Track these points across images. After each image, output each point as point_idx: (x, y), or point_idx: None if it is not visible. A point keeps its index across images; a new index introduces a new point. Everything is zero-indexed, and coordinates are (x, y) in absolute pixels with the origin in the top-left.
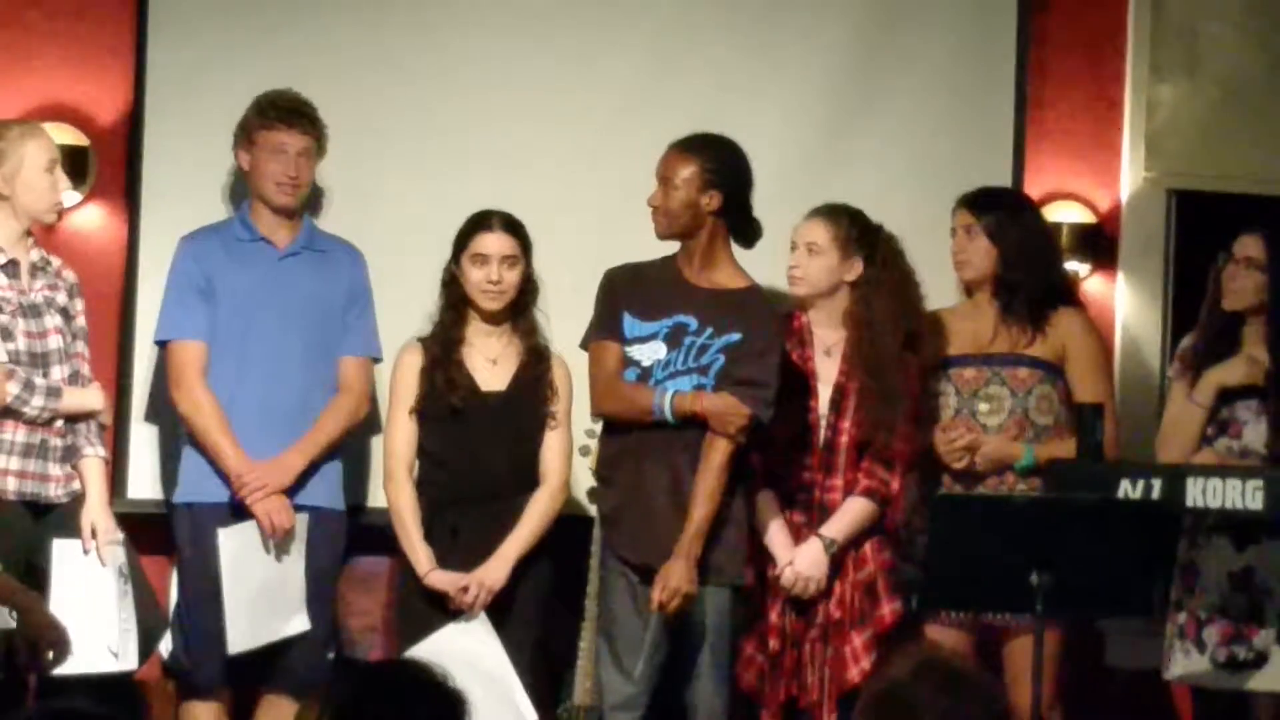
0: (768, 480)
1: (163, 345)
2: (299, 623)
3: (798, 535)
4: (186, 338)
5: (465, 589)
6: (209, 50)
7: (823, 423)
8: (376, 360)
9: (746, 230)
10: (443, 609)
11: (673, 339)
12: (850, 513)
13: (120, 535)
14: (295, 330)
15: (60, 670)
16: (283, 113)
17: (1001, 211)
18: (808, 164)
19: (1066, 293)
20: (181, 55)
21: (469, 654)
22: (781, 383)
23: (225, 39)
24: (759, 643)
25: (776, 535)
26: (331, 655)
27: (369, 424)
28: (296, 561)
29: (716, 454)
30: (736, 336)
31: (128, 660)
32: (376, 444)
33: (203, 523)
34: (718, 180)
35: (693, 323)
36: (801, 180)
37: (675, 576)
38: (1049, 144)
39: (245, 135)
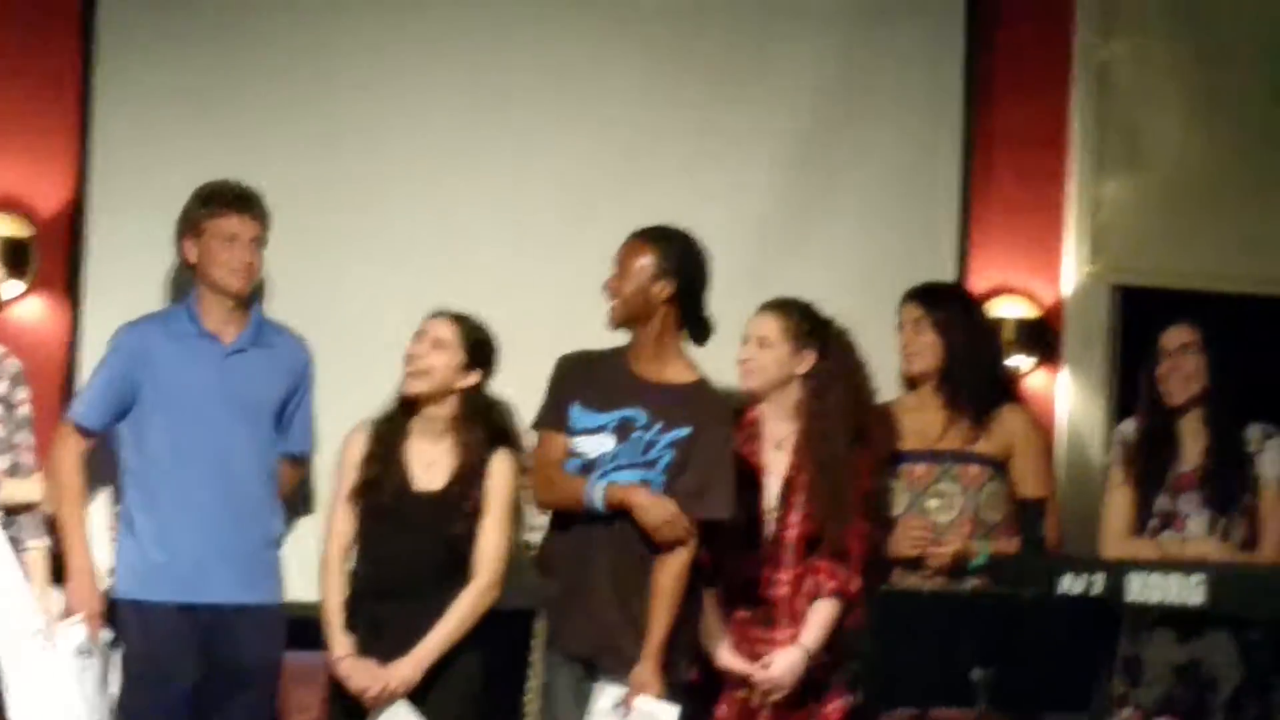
0: (713, 575)
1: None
2: None
3: (742, 631)
4: (86, 425)
5: (375, 690)
6: (153, 141)
7: (771, 516)
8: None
9: (698, 326)
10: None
11: (621, 432)
12: (821, 618)
13: (76, 616)
14: (240, 428)
15: None
16: (231, 200)
17: (950, 307)
18: (756, 257)
19: (1009, 389)
20: (125, 146)
21: None
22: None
23: (169, 130)
24: None
25: (714, 632)
26: None
27: (295, 515)
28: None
29: (670, 568)
30: (685, 431)
31: None
32: (306, 534)
33: (151, 617)
34: (671, 270)
35: (641, 417)
36: (749, 273)
37: (648, 685)
38: (993, 238)
39: (191, 226)
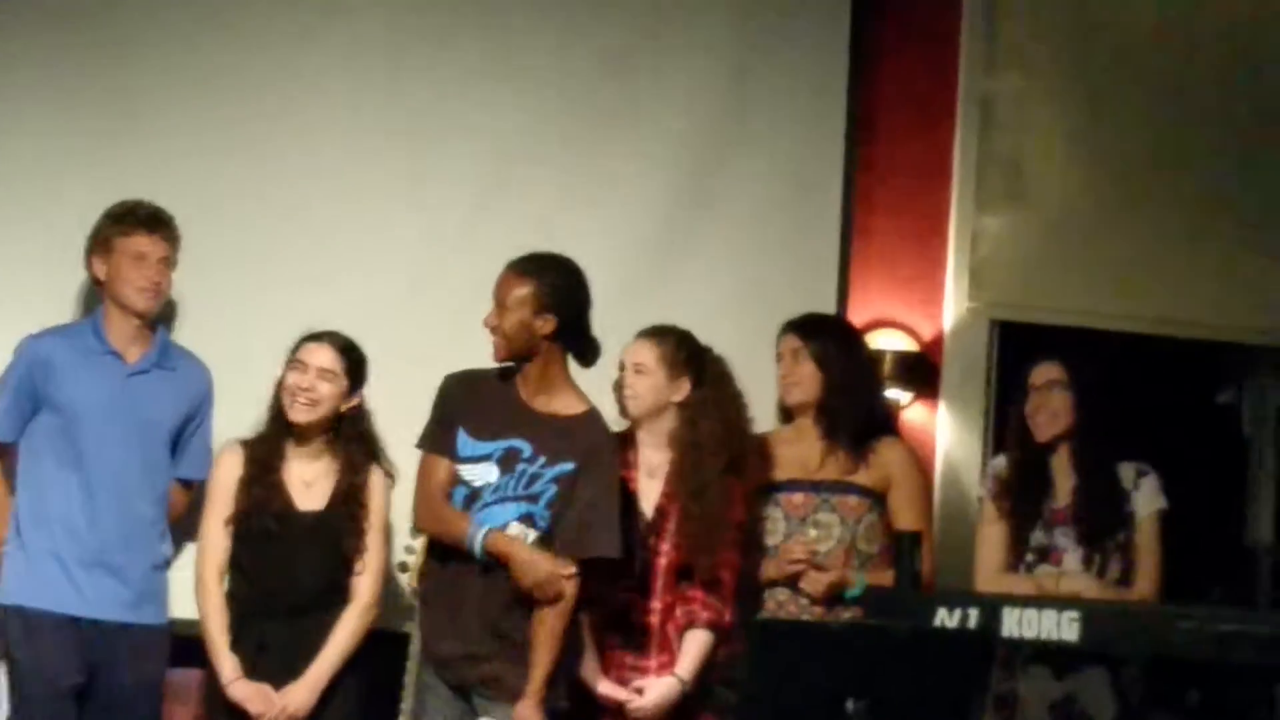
0: (586, 602)
1: None
2: None
3: (613, 659)
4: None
5: (272, 714)
6: (51, 157)
7: (642, 544)
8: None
9: (585, 350)
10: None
11: (505, 463)
12: (696, 647)
13: None
14: (135, 449)
15: None
16: (142, 220)
17: (829, 338)
18: (635, 285)
19: (887, 422)
20: (22, 161)
21: None
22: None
23: (67, 144)
24: None
25: (590, 664)
26: None
27: (185, 536)
28: None
29: (550, 615)
30: (570, 466)
31: None
32: (189, 555)
33: (36, 625)
34: (552, 304)
35: (527, 449)
36: (628, 301)
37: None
38: (874, 271)
39: (101, 243)
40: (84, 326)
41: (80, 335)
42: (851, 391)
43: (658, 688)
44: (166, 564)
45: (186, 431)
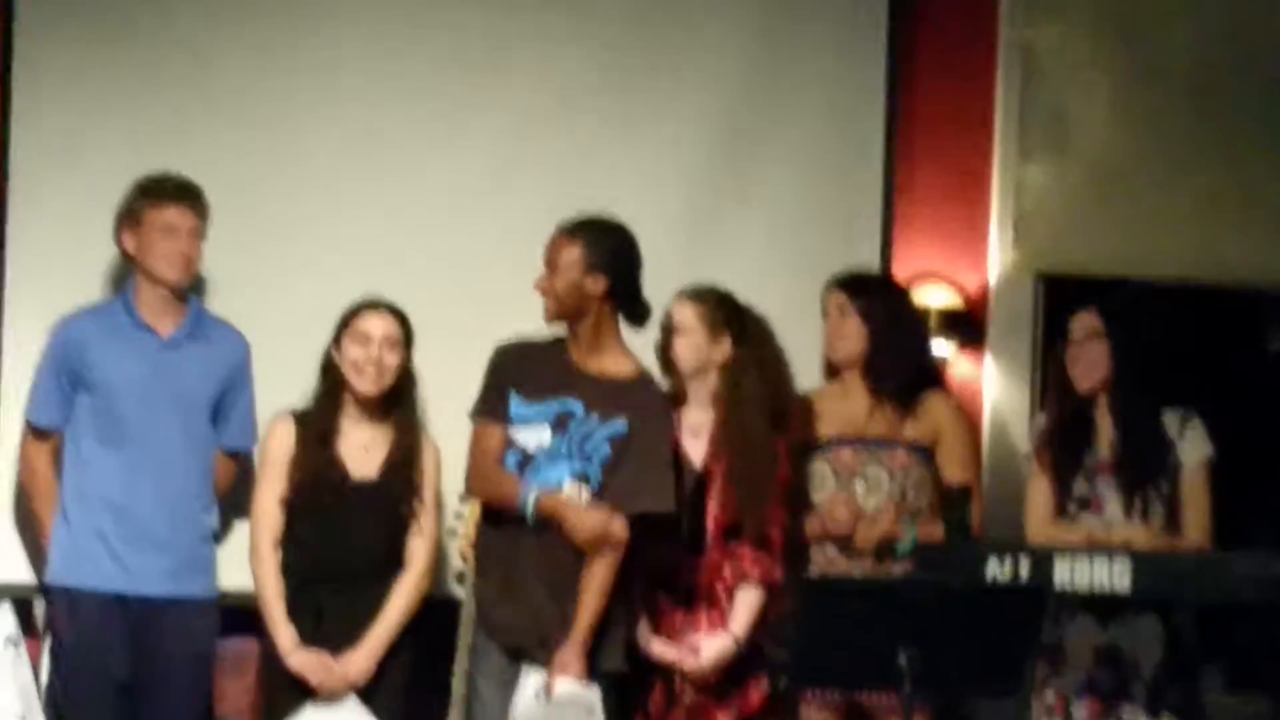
0: (636, 563)
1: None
2: None
3: (664, 618)
4: (40, 424)
5: (331, 682)
6: (77, 132)
7: (689, 504)
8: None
9: (636, 310)
10: (306, 689)
11: (558, 424)
12: (748, 605)
13: (3, 604)
14: (175, 422)
15: None
16: (172, 192)
17: (874, 294)
18: (676, 245)
19: (934, 376)
20: (49, 136)
21: None
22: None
23: (93, 120)
24: None
25: (662, 647)
26: None
27: (235, 506)
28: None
29: (599, 568)
30: (622, 426)
31: (34, 717)
32: (235, 523)
33: (82, 605)
34: (602, 264)
35: (579, 409)
36: (669, 262)
37: (569, 666)
38: (917, 226)
39: (131, 217)
40: (115, 304)
41: (112, 313)
42: (897, 346)
43: (712, 646)
44: (213, 536)
45: (226, 401)
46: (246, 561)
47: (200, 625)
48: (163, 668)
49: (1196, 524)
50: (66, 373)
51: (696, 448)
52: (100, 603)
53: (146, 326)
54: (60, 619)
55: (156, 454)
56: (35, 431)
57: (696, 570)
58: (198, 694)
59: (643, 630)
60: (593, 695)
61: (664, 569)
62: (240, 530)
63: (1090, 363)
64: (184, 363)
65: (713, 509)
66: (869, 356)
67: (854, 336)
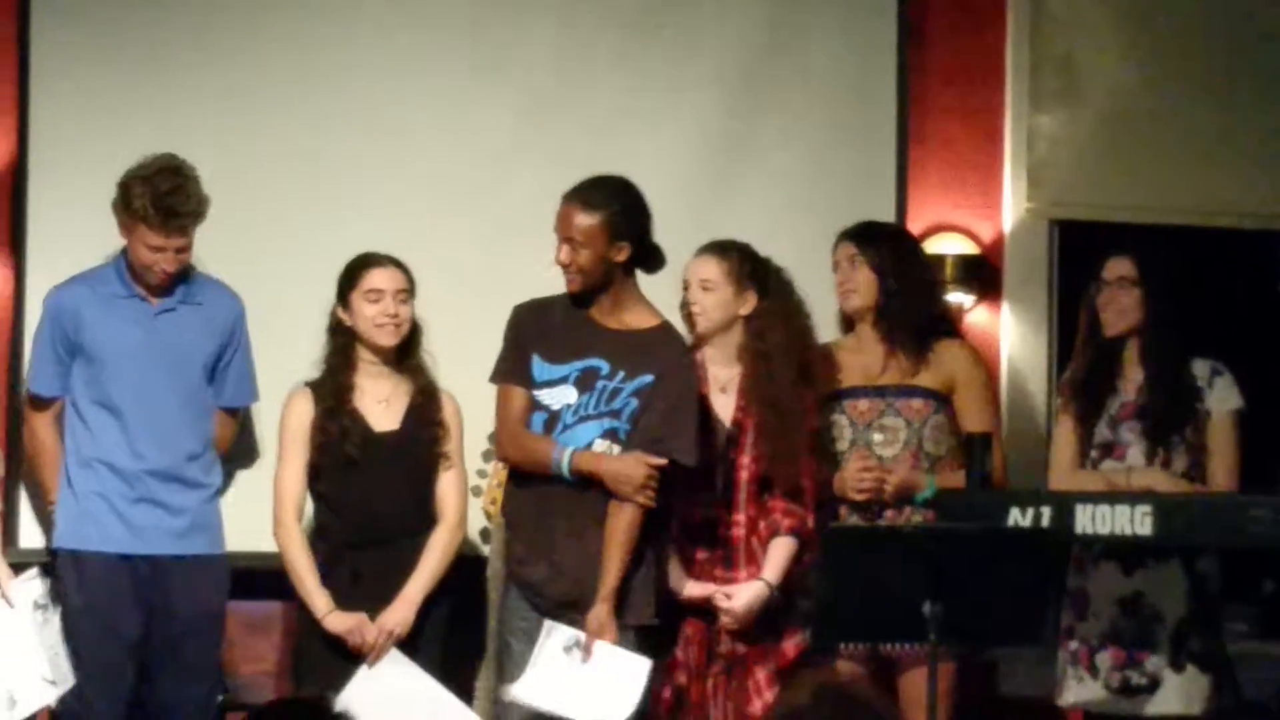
0: (670, 518)
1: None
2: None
3: (703, 571)
4: (40, 393)
5: (372, 637)
6: (93, 98)
7: (723, 459)
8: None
9: (651, 259)
10: (343, 651)
11: (583, 383)
12: (781, 554)
13: (32, 570)
14: (172, 385)
15: (10, 718)
16: (160, 216)
17: (884, 243)
18: (690, 200)
19: (948, 324)
20: (65, 104)
21: (394, 689)
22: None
23: (109, 85)
24: (666, 678)
25: (675, 573)
26: (220, 698)
27: (251, 465)
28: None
29: (624, 515)
30: (649, 378)
31: (64, 680)
32: (261, 487)
33: (90, 567)
34: (624, 230)
35: (604, 366)
36: (684, 217)
37: (605, 628)
38: (931, 176)
39: (120, 212)
40: (107, 271)
41: (104, 281)
42: (908, 295)
43: (746, 592)
44: (217, 494)
45: (222, 360)
46: (269, 528)
47: (209, 583)
48: (173, 626)
49: (1224, 474)
50: (62, 341)
51: (724, 403)
52: (108, 564)
53: (138, 294)
54: (68, 582)
55: (156, 417)
56: (35, 400)
57: (732, 525)
58: (209, 651)
59: (677, 577)
60: (637, 664)
61: (700, 524)
62: (256, 492)
63: (1122, 308)
64: (179, 326)
65: (745, 463)
66: (880, 306)
67: (865, 287)
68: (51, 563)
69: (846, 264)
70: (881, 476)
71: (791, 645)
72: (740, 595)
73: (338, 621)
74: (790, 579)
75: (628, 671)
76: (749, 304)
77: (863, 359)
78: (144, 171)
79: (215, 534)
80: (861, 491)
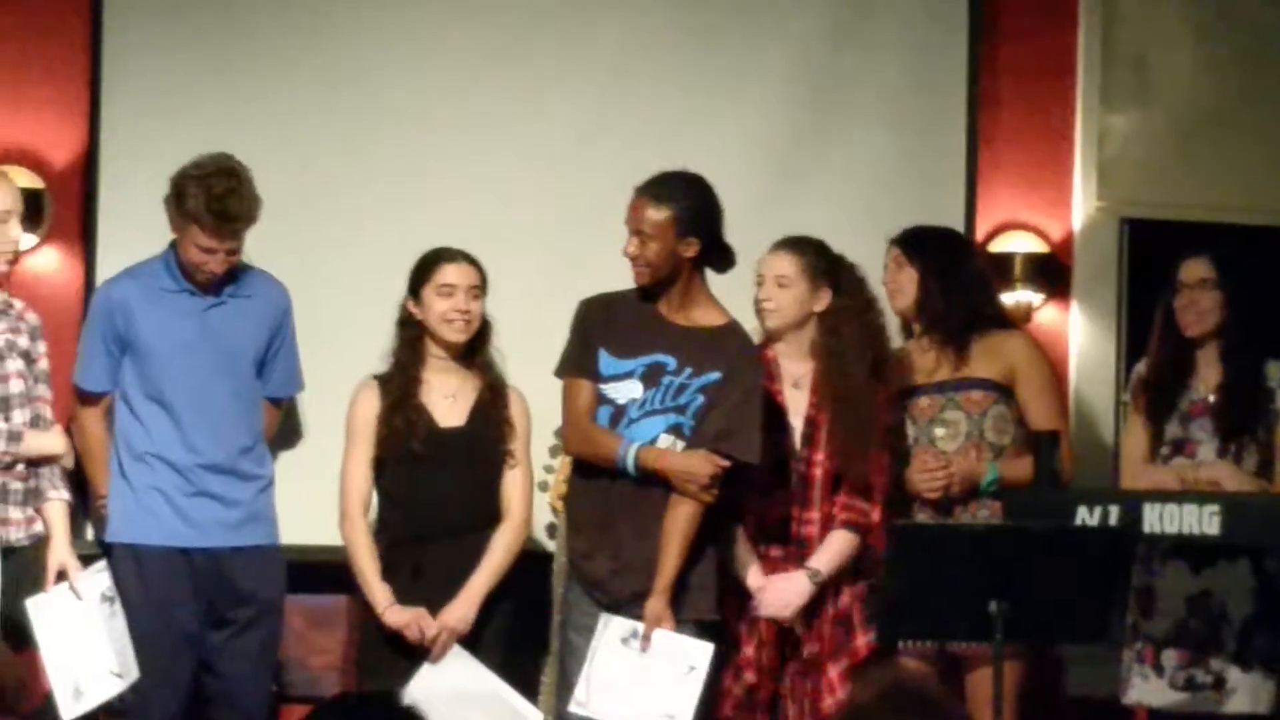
0: (743, 516)
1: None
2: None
3: (775, 569)
4: (89, 389)
5: (432, 632)
6: (162, 91)
7: (797, 456)
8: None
9: (721, 258)
10: (406, 647)
11: (650, 378)
12: (834, 545)
13: (100, 562)
14: (223, 378)
15: (76, 710)
16: (213, 220)
17: (927, 244)
18: (760, 199)
19: (999, 321)
20: (135, 97)
21: (456, 686)
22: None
23: (177, 81)
24: (736, 676)
25: (755, 575)
26: (274, 689)
27: (317, 460)
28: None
29: (682, 513)
30: (716, 376)
31: (130, 673)
32: (325, 480)
33: (147, 561)
34: (694, 226)
35: (671, 362)
36: (750, 215)
37: (663, 618)
38: (1001, 174)
39: (171, 209)
40: (157, 266)
41: (154, 275)
42: (948, 291)
43: (788, 580)
44: (270, 485)
45: (270, 352)
46: (334, 521)
47: (266, 574)
48: (231, 618)
49: None
50: (113, 336)
51: (798, 399)
52: (166, 558)
53: (188, 288)
54: (126, 576)
55: (209, 411)
56: (84, 396)
57: (807, 523)
58: (268, 643)
59: (747, 566)
60: (698, 649)
61: (774, 521)
62: (322, 484)
63: (1202, 310)
64: (229, 319)
65: (820, 460)
66: (920, 304)
67: (908, 285)
68: (107, 555)
69: (894, 266)
70: (950, 473)
71: (865, 643)
72: (781, 583)
73: (396, 615)
74: (865, 577)
75: (690, 658)
76: (823, 301)
77: (921, 360)
78: (199, 172)
79: (270, 525)
80: (933, 492)
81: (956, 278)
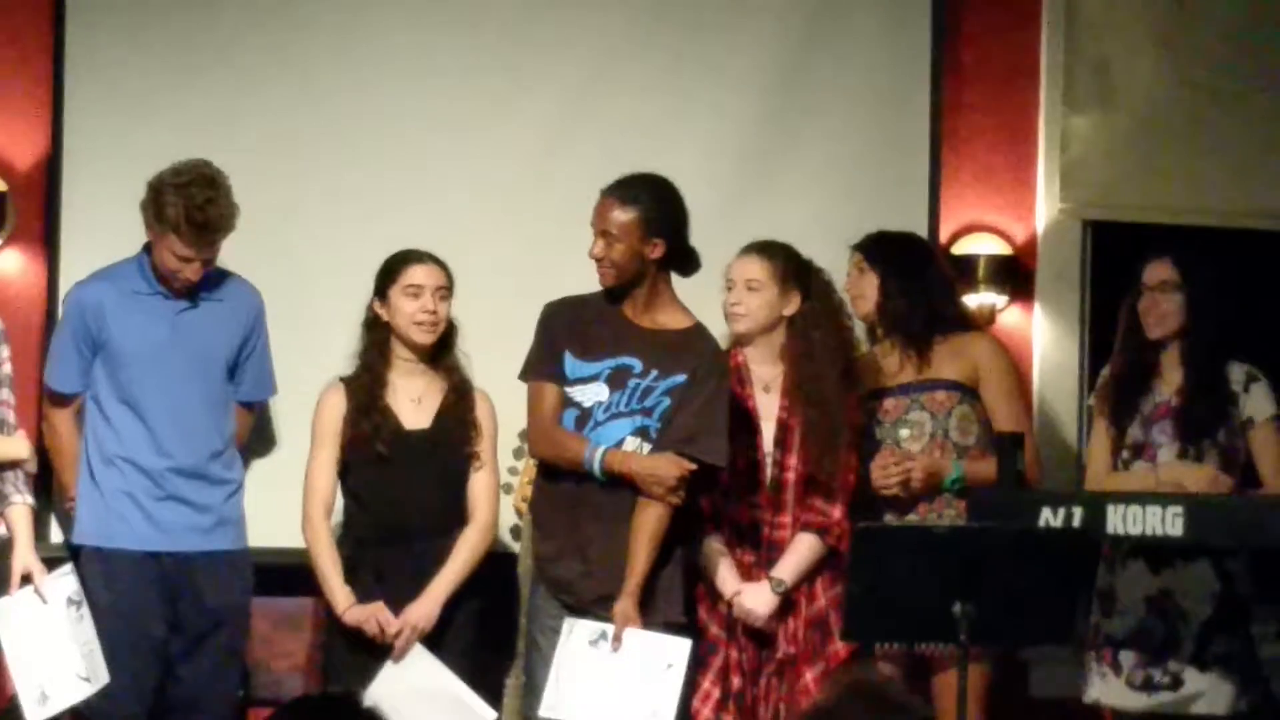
0: (715, 520)
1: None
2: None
3: (747, 574)
4: (60, 390)
5: (398, 631)
6: (125, 93)
7: (769, 460)
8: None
9: (686, 262)
10: (369, 647)
11: (615, 380)
12: (798, 551)
13: (65, 566)
14: (195, 381)
15: (42, 714)
16: (191, 230)
17: (888, 249)
18: (725, 201)
19: (961, 323)
20: (98, 99)
21: (416, 685)
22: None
23: (141, 83)
24: (716, 679)
25: (726, 575)
26: (240, 694)
27: (281, 462)
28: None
29: (651, 515)
30: (681, 378)
31: (99, 678)
32: (289, 482)
33: (115, 564)
34: (660, 227)
35: (636, 364)
36: (718, 217)
37: (632, 619)
38: (964, 177)
39: (148, 214)
40: (129, 268)
41: (127, 277)
42: (907, 294)
43: (754, 590)
44: (240, 489)
45: (243, 355)
46: (296, 520)
47: (234, 578)
48: (199, 622)
49: (1275, 479)
50: (85, 338)
51: (769, 403)
52: (135, 562)
53: (161, 291)
54: (94, 579)
55: (180, 415)
56: (55, 397)
57: (779, 527)
58: (234, 646)
59: (717, 564)
60: (675, 646)
61: (748, 527)
62: (287, 486)
63: (1164, 313)
64: (202, 322)
65: (793, 464)
66: (881, 304)
67: (870, 292)
68: (74, 558)
69: (855, 272)
70: (906, 467)
71: (842, 647)
72: (748, 595)
73: (355, 613)
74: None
75: (668, 655)
76: (793, 304)
77: (886, 363)
78: (178, 180)
79: (239, 529)
80: (889, 488)
81: (917, 280)
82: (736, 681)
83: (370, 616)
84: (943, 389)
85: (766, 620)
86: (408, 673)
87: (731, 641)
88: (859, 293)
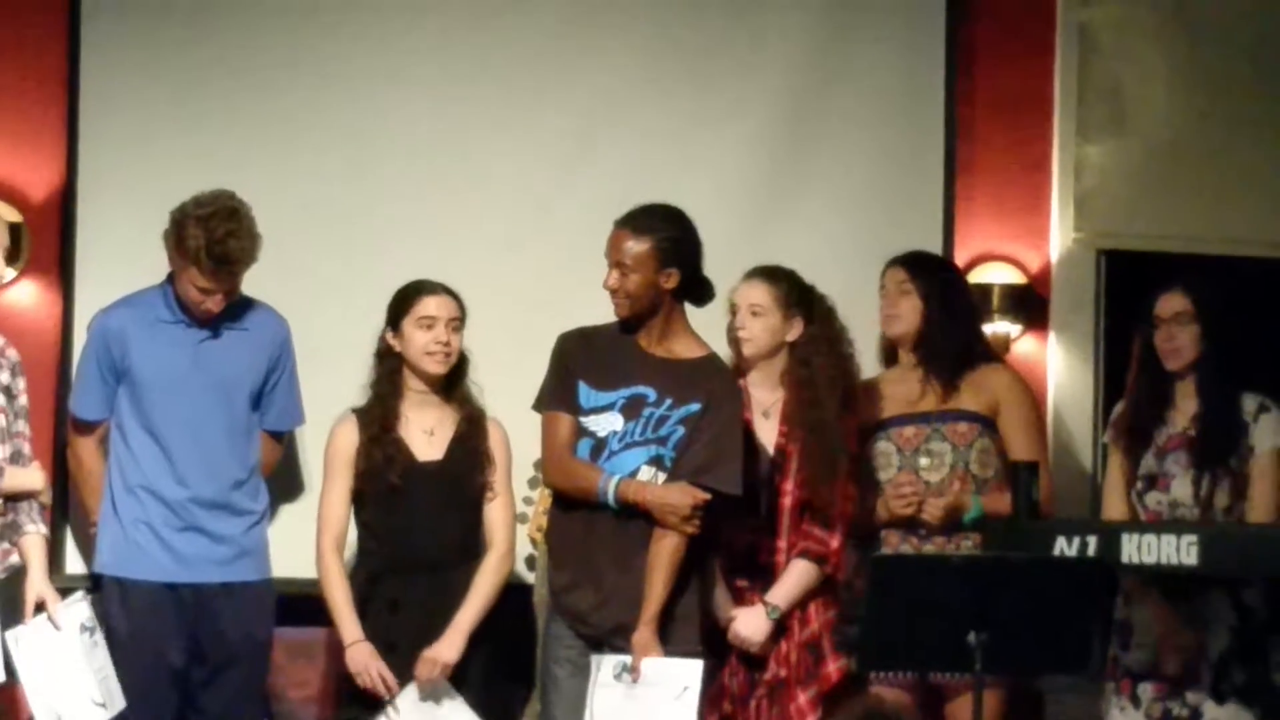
0: (714, 544)
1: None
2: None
3: (742, 598)
4: (84, 417)
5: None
6: (141, 125)
7: (766, 485)
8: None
9: (700, 291)
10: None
11: (630, 410)
12: (792, 577)
13: (78, 593)
14: (218, 410)
15: None
16: (213, 263)
17: (932, 273)
18: (738, 229)
19: (986, 357)
20: (114, 130)
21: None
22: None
23: (157, 113)
24: (711, 705)
25: (721, 599)
26: None
27: (298, 492)
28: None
29: (667, 545)
30: (696, 407)
31: (114, 703)
32: (305, 513)
33: (134, 595)
34: (674, 258)
35: (651, 394)
36: (731, 245)
37: (650, 648)
38: (978, 206)
39: (170, 248)
40: (154, 296)
41: (150, 305)
42: (949, 324)
43: (748, 616)
44: (263, 518)
45: (268, 384)
46: (306, 549)
47: (254, 609)
48: (218, 653)
49: (1264, 510)
50: (108, 365)
51: (767, 428)
52: (153, 593)
53: (184, 319)
54: (113, 608)
55: (202, 445)
56: (79, 424)
57: (775, 551)
58: (255, 678)
59: (725, 603)
60: (688, 669)
61: (743, 551)
62: (306, 518)
63: (1180, 345)
64: (225, 351)
65: (790, 489)
66: (923, 333)
67: (908, 313)
68: (95, 587)
69: (895, 289)
70: (917, 492)
71: (835, 669)
72: (742, 621)
73: (354, 654)
74: (834, 604)
75: (683, 679)
76: (795, 330)
77: (904, 388)
78: (200, 211)
79: (261, 559)
80: (900, 498)
81: (958, 313)
82: (727, 708)
83: (361, 671)
84: (965, 420)
85: (761, 645)
86: (424, 705)
87: (725, 666)
88: (896, 313)
